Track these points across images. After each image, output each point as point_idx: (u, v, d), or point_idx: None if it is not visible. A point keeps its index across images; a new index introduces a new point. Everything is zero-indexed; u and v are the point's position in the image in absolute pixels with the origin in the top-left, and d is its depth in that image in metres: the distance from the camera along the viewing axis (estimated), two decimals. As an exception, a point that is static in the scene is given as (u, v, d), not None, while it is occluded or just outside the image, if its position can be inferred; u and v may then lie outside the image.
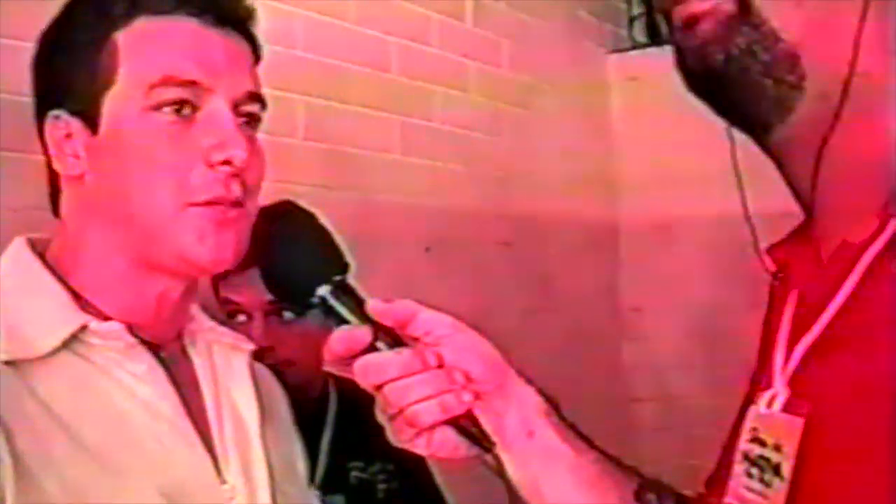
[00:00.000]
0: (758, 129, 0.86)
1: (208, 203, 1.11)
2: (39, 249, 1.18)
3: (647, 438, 3.96)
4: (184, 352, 1.24)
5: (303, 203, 1.97)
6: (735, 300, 3.84)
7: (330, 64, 2.90)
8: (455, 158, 3.34)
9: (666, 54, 3.42)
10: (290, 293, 1.09)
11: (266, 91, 1.18)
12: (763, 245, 0.97)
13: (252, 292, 1.86)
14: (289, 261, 1.06)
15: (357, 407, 1.87)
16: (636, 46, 4.37)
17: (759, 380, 0.91)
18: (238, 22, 1.17)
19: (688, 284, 4.03)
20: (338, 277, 1.02)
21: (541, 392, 1.04)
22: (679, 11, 0.86)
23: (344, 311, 1.00)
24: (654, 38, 4.35)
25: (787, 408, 0.84)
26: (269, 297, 1.81)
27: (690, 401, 3.92)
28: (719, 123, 0.90)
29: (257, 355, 1.33)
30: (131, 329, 1.14)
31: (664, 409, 3.96)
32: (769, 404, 0.86)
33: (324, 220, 1.89)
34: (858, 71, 0.80)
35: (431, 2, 3.28)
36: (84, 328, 1.11)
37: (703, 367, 3.94)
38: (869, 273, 0.79)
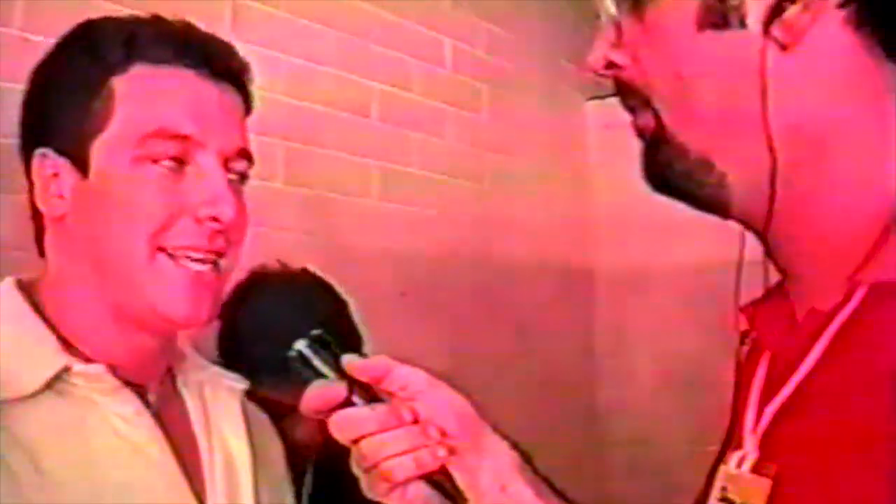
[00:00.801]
0: (718, 215, 0.91)
1: (183, 252, 1.11)
2: (28, 289, 1.18)
3: (621, 483, 3.97)
4: (175, 392, 1.24)
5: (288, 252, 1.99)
6: (710, 347, 3.85)
7: (310, 109, 2.92)
8: (433, 204, 3.35)
9: None
10: (268, 348, 1.10)
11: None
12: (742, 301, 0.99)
13: None
14: (266, 316, 1.07)
15: (334, 455, 1.86)
16: (615, 94, 4.41)
17: (730, 438, 0.92)
18: (233, 75, 1.18)
19: (662, 331, 4.05)
20: (315, 332, 1.03)
21: (515, 446, 1.04)
22: (632, 123, 0.93)
23: (321, 366, 1.01)
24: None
25: (756, 468, 0.85)
26: None
27: (665, 447, 3.93)
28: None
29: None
30: (115, 371, 1.14)
31: (638, 454, 3.97)
32: (739, 464, 0.87)
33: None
34: (786, 163, 0.84)
35: (412, 48, 3.31)
36: (68, 370, 1.11)
37: (677, 414, 3.94)
38: (836, 340, 0.81)
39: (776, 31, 0.83)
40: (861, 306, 0.80)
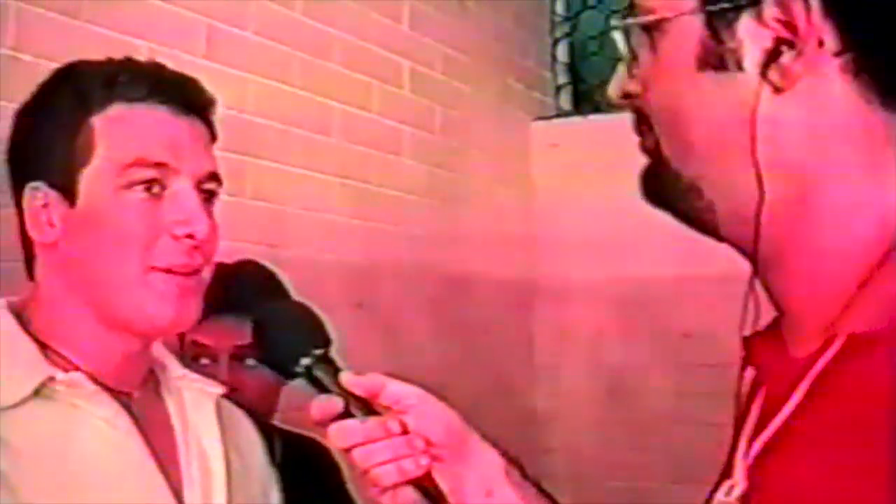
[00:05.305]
0: (709, 236, 0.94)
1: (170, 269, 1.24)
2: (17, 310, 1.30)
3: (557, 489, 4.07)
4: (158, 397, 1.36)
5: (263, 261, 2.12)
6: (644, 358, 4.02)
7: (275, 127, 3.01)
8: (388, 219, 3.45)
9: (588, 123, 3.77)
10: (279, 362, 1.21)
11: (217, 152, 1.33)
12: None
13: (221, 337, 1.95)
14: (279, 334, 1.21)
15: (298, 456, 1.98)
16: (560, 115, 4.54)
17: (727, 468, 0.94)
18: (200, 109, 1.31)
19: (600, 341, 4.16)
20: (319, 351, 1.15)
21: (504, 453, 1.12)
22: (639, 144, 0.96)
23: (324, 381, 1.14)
24: (578, 107, 4.57)
25: (743, 499, 0.88)
26: (235, 342, 1.93)
27: (601, 454, 4.05)
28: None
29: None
30: (95, 378, 1.25)
31: (574, 460, 4.05)
32: (728, 493, 0.90)
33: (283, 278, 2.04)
34: (773, 199, 0.86)
35: (372, 70, 3.41)
36: (52, 379, 1.22)
37: (612, 422, 4.07)
38: (814, 388, 0.83)
39: (772, 74, 0.84)
40: (838, 356, 0.81)
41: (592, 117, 4.26)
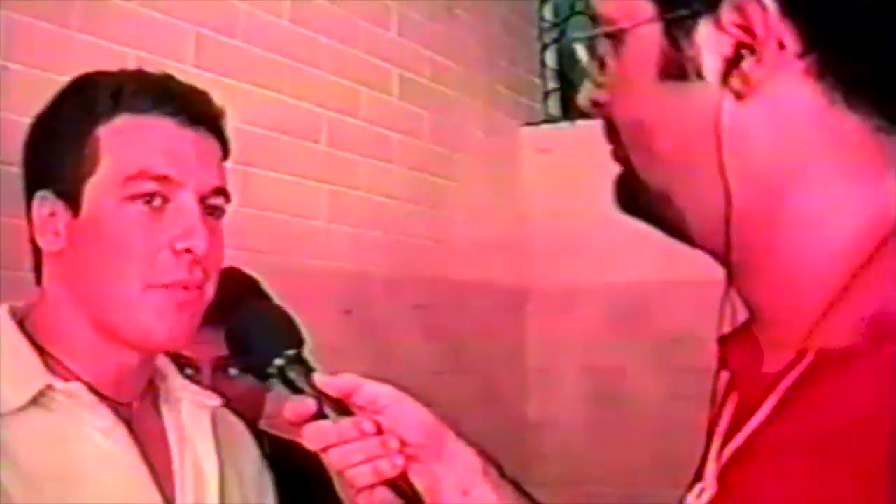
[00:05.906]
0: (684, 243, 0.92)
1: (170, 285, 1.24)
2: (20, 316, 1.30)
3: (549, 495, 4.08)
4: (156, 408, 1.36)
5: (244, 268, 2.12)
6: (635, 363, 4.04)
7: (264, 134, 3.02)
8: (377, 225, 3.46)
9: (576, 129, 3.78)
10: (252, 364, 1.22)
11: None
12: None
13: (202, 348, 1.90)
14: (250, 337, 1.21)
15: (286, 460, 1.99)
16: (548, 120, 4.57)
17: (699, 470, 0.93)
18: (209, 121, 1.31)
19: (591, 346, 4.17)
20: (291, 352, 1.15)
21: (481, 453, 1.11)
22: (611, 152, 0.94)
23: (297, 382, 1.14)
24: (567, 112, 4.58)
25: (712, 502, 0.87)
26: (218, 352, 1.93)
27: (592, 459, 4.06)
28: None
29: None
30: (93, 388, 1.26)
31: (566, 465, 4.07)
32: (699, 496, 0.89)
33: (264, 284, 2.04)
34: (741, 208, 0.84)
35: (361, 76, 3.42)
36: (51, 387, 1.23)
37: (604, 427, 4.08)
38: (781, 403, 0.81)
39: (733, 82, 0.82)
40: (807, 372, 0.79)
41: (581, 122, 4.26)
